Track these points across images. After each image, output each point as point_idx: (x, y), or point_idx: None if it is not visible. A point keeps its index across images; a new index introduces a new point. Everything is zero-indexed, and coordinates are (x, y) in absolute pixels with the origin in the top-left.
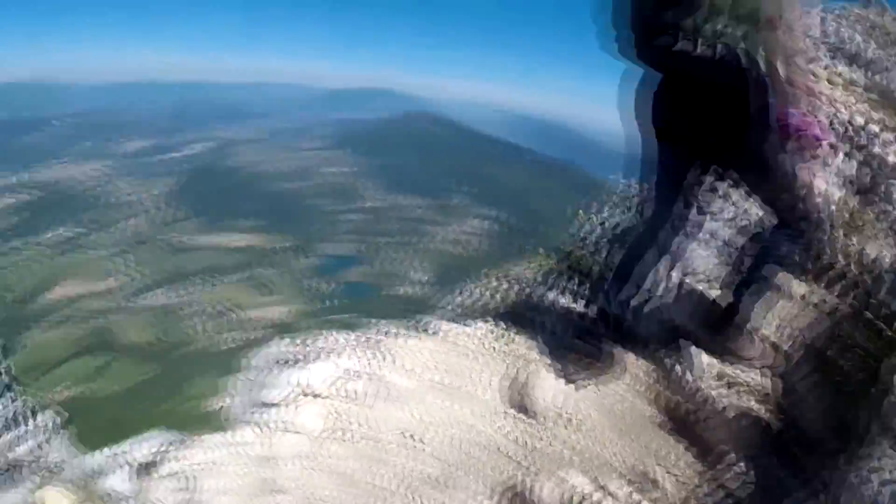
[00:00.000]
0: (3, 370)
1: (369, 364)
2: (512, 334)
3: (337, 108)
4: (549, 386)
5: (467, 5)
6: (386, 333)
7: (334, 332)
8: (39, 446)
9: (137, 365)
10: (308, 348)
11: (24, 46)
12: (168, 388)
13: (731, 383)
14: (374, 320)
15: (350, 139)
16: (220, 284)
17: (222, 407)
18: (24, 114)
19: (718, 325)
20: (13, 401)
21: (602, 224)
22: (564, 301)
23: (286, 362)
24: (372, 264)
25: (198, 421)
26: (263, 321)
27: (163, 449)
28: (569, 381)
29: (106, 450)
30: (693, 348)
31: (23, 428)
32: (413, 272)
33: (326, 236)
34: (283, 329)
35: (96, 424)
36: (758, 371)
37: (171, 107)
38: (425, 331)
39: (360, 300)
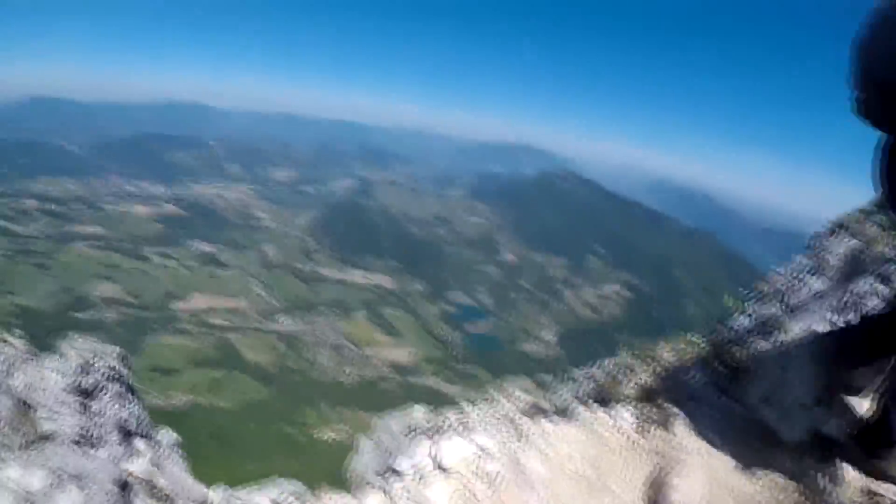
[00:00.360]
0: (121, 376)
1: (507, 446)
2: (655, 428)
3: (479, 160)
4: (688, 489)
5: (618, 66)
6: (517, 408)
7: (473, 406)
8: (154, 465)
9: (255, 383)
10: (446, 420)
11: (187, 69)
12: (281, 410)
13: (876, 503)
14: (498, 379)
15: (491, 192)
16: (346, 319)
17: (350, 465)
18: (181, 131)
19: (868, 440)
20: (131, 403)
21: (751, 316)
22: (711, 394)
23: (422, 431)
24: (501, 318)
25: (304, 448)
26: (384, 360)
27: (285, 499)
28: (710, 483)
29: (223, 489)
30: (839, 461)
31: (141, 441)
32: (542, 330)
33: (459, 285)
34: (402, 371)
35: (207, 433)
36: None
37: (319, 142)
38: (565, 414)
39: (485, 352)
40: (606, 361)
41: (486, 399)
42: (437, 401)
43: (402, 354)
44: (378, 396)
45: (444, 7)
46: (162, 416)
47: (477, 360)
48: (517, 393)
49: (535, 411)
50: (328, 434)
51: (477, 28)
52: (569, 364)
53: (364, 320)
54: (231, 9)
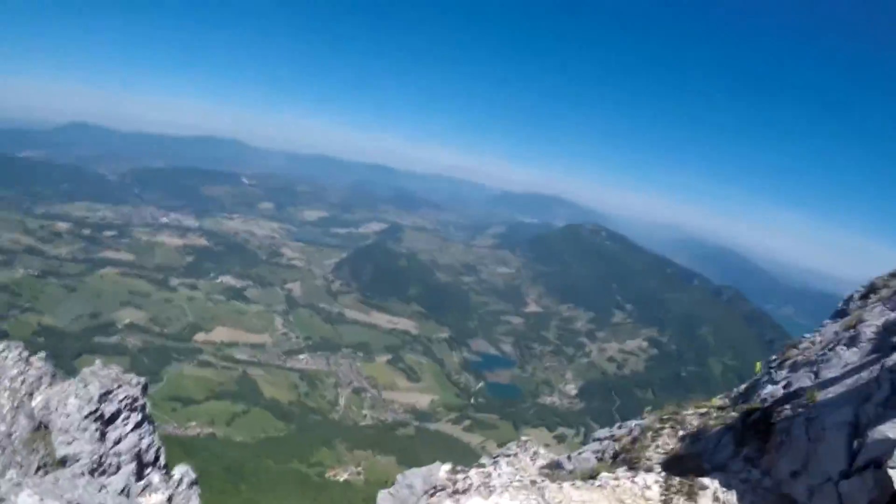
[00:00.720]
0: (141, 405)
1: None
2: (680, 497)
3: (510, 210)
4: None
5: (653, 120)
6: (540, 467)
7: (496, 466)
8: (169, 500)
9: (273, 420)
10: (469, 479)
11: (227, 105)
12: (297, 448)
13: None
14: (515, 430)
15: (520, 242)
16: (368, 361)
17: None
18: (217, 166)
19: None
20: (150, 434)
21: (781, 384)
22: (739, 466)
23: (443, 489)
24: (523, 368)
25: (318, 488)
26: (403, 405)
27: None
28: None
29: None
30: None
31: (157, 474)
32: (563, 383)
33: (483, 333)
34: (420, 417)
35: (222, 466)
36: None
37: (352, 184)
38: (588, 479)
39: (505, 402)
40: (631, 422)
41: (508, 454)
42: (455, 448)
43: (421, 400)
44: (395, 441)
45: (484, 57)
46: (179, 447)
47: (496, 410)
48: (538, 449)
49: (557, 471)
50: (342, 475)
51: (513, 76)
52: (588, 418)
53: (386, 364)
54: (273, 49)
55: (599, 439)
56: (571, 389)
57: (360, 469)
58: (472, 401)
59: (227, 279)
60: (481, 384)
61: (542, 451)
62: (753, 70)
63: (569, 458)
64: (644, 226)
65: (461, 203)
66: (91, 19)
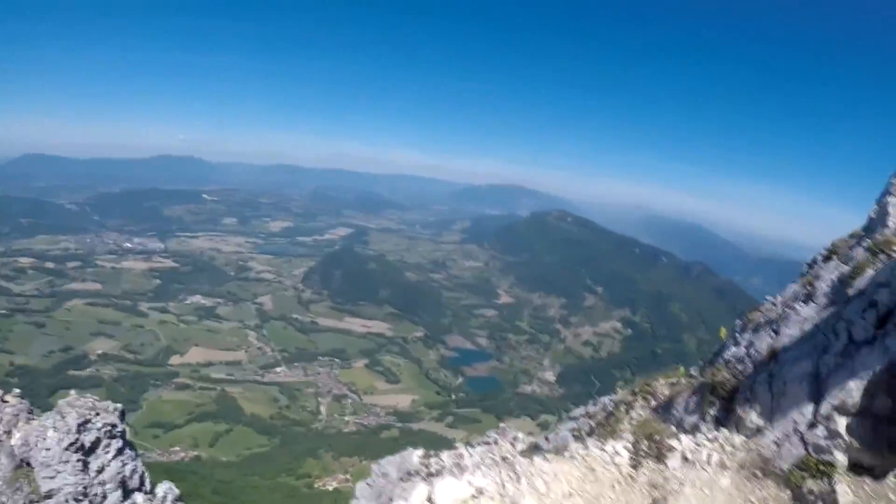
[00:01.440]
0: (120, 432)
1: (503, 485)
2: (650, 461)
3: (474, 204)
4: None
5: (607, 103)
6: (516, 449)
7: (468, 448)
8: None
9: (256, 436)
10: (441, 461)
11: (180, 123)
12: (284, 461)
13: None
14: (498, 421)
15: (486, 234)
16: (345, 368)
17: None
18: (177, 185)
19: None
20: (132, 460)
21: (743, 345)
22: (707, 426)
23: (417, 473)
24: (500, 360)
25: (307, 499)
26: (385, 408)
27: None
28: None
29: None
30: (835, 484)
31: (140, 496)
32: (542, 371)
33: (457, 329)
34: (403, 417)
35: (210, 488)
36: None
37: (313, 191)
38: (559, 452)
39: (485, 395)
40: (605, 398)
41: (486, 441)
42: (440, 445)
43: (402, 401)
44: (380, 444)
45: (436, 54)
46: (164, 473)
47: (478, 404)
48: (517, 434)
49: (533, 451)
50: (331, 484)
51: (465, 71)
52: (570, 403)
53: (363, 368)
54: (223, 63)
55: (575, 418)
56: (550, 376)
57: (348, 476)
58: (453, 397)
59: (197, 299)
60: (461, 379)
61: (521, 435)
62: (703, 47)
63: (546, 438)
64: (607, 208)
65: (425, 201)
66: (34, 49)
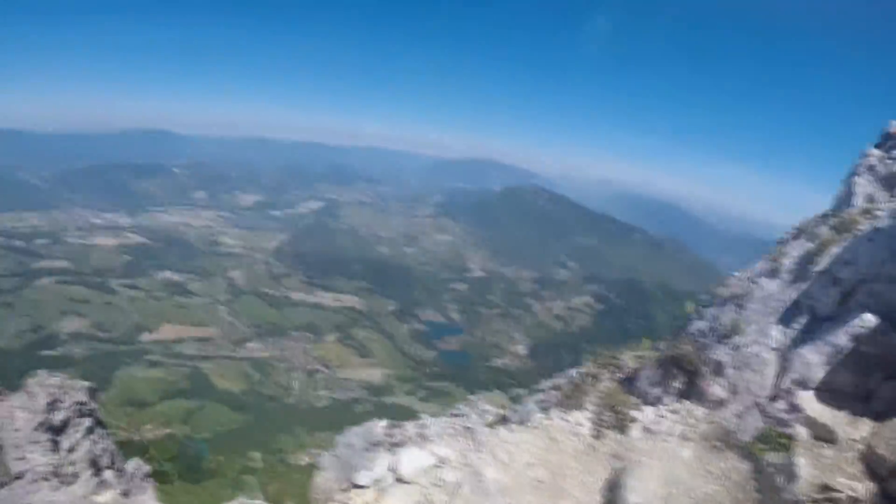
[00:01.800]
0: (91, 410)
1: (465, 455)
2: (613, 432)
3: (447, 178)
4: (645, 490)
5: (584, 79)
6: (483, 421)
7: (432, 418)
8: (123, 495)
9: (229, 412)
10: (405, 432)
11: (148, 96)
12: (257, 437)
13: (831, 499)
14: (470, 395)
15: (459, 209)
16: (318, 342)
17: (312, 480)
18: (145, 159)
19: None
20: (103, 438)
21: (708, 319)
22: (670, 398)
23: (381, 444)
24: (472, 334)
25: (281, 475)
26: (357, 382)
27: None
28: (668, 484)
29: None
30: (795, 458)
31: (110, 473)
32: (513, 344)
33: (429, 303)
34: (376, 392)
35: (184, 464)
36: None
37: (286, 164)
38: (523, 423)
39: (457, 369)
40: (572, 371)
41: (454, 414)
42: (413, 418)
43: (375, 375)
44: (353, 418)
45: (408, 28)
46: (138, 451)
47: (450, 377)
48: (485, 407)
49: (501, 423)
50: (304, 459)
51: (440, 46)
52: (540, 376)
53: (336, 343)
54: (191, 33)
55: (542, 390)
56: (521, 350)
57: (321, 451)
58: (425, 370)
59: (168, 275)
60: (433, 353)
61: (489, 407)
62: (675, 22)
63: (515, 411)
64: (580, 183)
65: (398, 174)
66: None
